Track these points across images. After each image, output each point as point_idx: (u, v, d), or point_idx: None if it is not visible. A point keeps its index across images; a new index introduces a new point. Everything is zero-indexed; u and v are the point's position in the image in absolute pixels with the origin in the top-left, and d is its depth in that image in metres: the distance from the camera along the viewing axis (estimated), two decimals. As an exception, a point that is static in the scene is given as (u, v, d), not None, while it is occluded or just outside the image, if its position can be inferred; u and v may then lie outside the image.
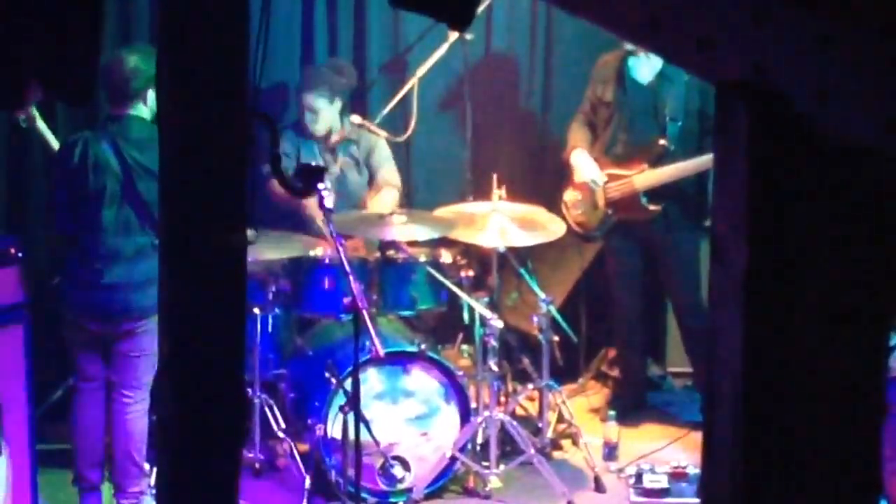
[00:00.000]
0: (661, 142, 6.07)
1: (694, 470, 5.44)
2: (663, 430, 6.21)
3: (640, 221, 6.18)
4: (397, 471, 5.33)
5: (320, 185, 4.41)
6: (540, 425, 5.96)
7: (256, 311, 5.48)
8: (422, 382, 5.42)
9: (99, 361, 5.08)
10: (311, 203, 5.99)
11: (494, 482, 5.52)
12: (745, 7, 1.84)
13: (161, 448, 2.59)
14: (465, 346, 6.31)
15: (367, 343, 4.82)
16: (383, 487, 5.34)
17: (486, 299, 5.65)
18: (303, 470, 5.33)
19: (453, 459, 5.42)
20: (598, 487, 5.59)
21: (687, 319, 6.31)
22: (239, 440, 2.69)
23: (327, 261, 5.55)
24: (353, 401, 4.76)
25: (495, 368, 5.55)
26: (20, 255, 4.76)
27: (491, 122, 6.70)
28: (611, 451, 5.83)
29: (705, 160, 5.86)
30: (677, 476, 5.48)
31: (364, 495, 5.11)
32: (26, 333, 4.76)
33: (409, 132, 6.34)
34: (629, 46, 6.08)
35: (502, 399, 5.82)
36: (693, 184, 6.15)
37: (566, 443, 6.03)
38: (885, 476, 4.34)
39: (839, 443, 1.94)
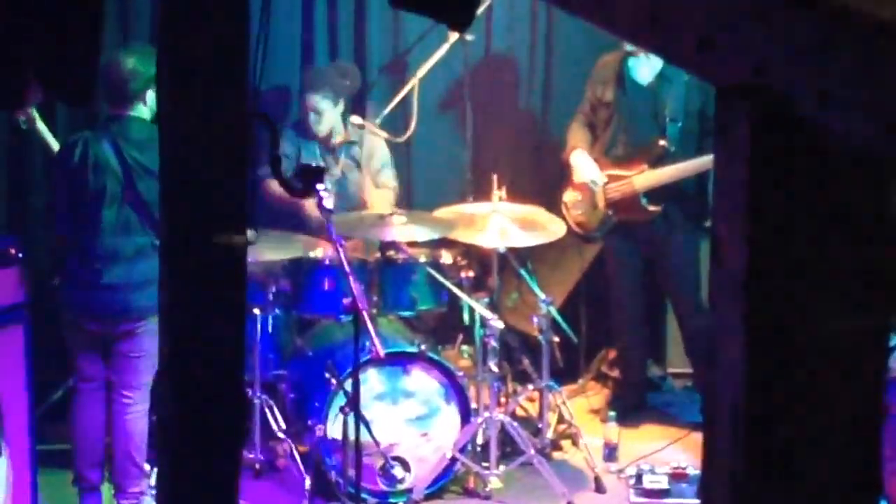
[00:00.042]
0: (661, 142, 6.07)
1: (694, 471, 5.44)
2: (663, 431, 6.21)
3: (640, 222, 6.18)
4: (397, 471, 5.33)
5: (319, 186, 4.41)
6: (540, 426, 5.96)
7: (256, 311, 5.48)
8: (422, 383, 5.42)
9: (99, 362, 5.08)
10: (310, 202, 5.99)
11: (494, 483, 5.52)
12: (746, 7, 1.84)
13: (161, 448, 2.60)
14: (465, 347, 6.31)
15: (368, 344, 4.82)
16: (383, 488, 5.34)
17: (487, 300, 5.65)
18: (303, 470, 5.33)
19: (453, 460, 5.42)
20: (599, 488, 5.60)
21: (687, 320, 6.31)
22: (239, 441, 2.70)
23: (327, 261, 5.55)
24: (354, 401, 4.76)
25: (495, 369, 5.55)
26: (20, 255, 4.77)
27: (491, 122, 6.70)
28: (611, 452, 5.83)
29: (705, 161, 5.87)
30: (677, 477, 5.49)
31: (364, 496, 5.12)
32: (26, 334, 4.77)
33: (410, 133, 6.34)
34: (629, 47, 6.08)
35: (502, 400, 5.82)
36: (693, 184, 6.15)
37: (566, 443, 6.03)
38: (885, 476, 4.34)
39: (839, 443, 1.94)
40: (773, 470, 1.91)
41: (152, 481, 5.08)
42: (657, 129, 6.13)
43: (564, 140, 6.39)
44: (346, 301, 5.15)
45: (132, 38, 6.15)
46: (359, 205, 6.16)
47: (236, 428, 2.66)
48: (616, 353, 6.75)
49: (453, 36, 6.20)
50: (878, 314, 1.90)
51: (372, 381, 5.33)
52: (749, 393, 1.88)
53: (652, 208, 6.11)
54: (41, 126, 5.33)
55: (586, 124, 6.33)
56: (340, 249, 4.69)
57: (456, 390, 5.43)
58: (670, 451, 5.78)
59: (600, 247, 6.53)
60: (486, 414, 5.47)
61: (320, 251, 5.58)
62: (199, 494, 2.52)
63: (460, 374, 5.51)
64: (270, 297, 5.61)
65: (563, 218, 6.09)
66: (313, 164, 5.49)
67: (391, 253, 5.61)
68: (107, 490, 5.17)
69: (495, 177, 5.66)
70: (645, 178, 6.10)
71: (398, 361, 5.37)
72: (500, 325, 5.53)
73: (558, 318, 6.09)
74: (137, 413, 5.05)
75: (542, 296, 5.84)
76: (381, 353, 4.79)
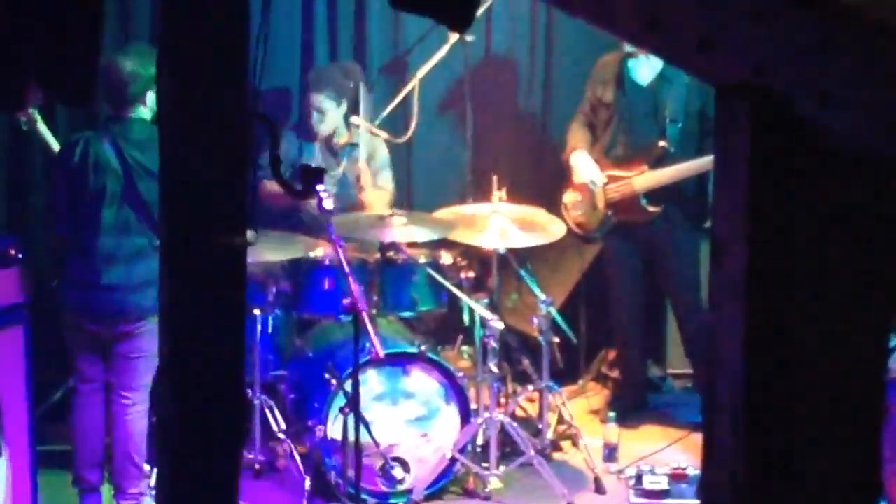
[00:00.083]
0: (661, 143, 6.07)
1: (694, 471, 5.44)
2: (663, 432, 6.21)
3: (639, 223, 6.18)
4: (397, 472, 5.33)
5: (319, 187, 4.41)
6: (540, 426, 5.95)
7: (256, 312, 5.48)
8: (422, 384, 5.42)
9: (98, 362, 5.08)
10: (309, 203, 6.00)
11: (494, 483, 5.52)
12: (746, 8, 1.84)
13: (161, 449, 2.59)
14: (465, 348, 6.31)
15: (367, 344, 4.82)
16: (383, 489, 5.34)
17: (486, 301, 5.65)
18: (303, 471, 5.33)
19: (453, 461, 5.42)
20: (598, 489, 5.59)
21: (687, 321, 6.31)
22: (239, 441, 2.69)
23: (327, 262, 5.55)
24: (353, 402, 4.76)
25: (495, 370, 5.55)
26: (20, 255, 4.76)
27: (491, 123, 6.70)
28: (611, 453, 5.83)
29: (705, 161, 5.87)
30: (677, 477, 5.48)
31: (364, 496, 5.11)
32: (26, 334, 4.76)
33: (410, 133, 6.35)
34: (629, 48, 6.08)
35: (502, 400, 5.82)
36: (693, 185, 6.15)
37: (566, 444, 6.03)
38: (885, 477, 4.34)
39: (839, 444, 1.94)
40: (773, 470, 1.91)
41: (152, 482, 5.08)
42: (657, 129, 6.13)
43: (564, 140, 6.39)
44: (345, 301, 5.13)
45: (132, 38, 6.15)
46: (358, 206, 6.15)
47: (236, 428, 2.65)
48: (616, 353, 6.75)
49: (453, 36, 6.20)
50: (878, 314, 1.91)
51: (372, 381, 5.33)
52: (749, 393, 1.88)
53: (652, 209, 6.11)
54: (42, 127, 5.33)
55: (586, 125, 6.33)
56: (340, 250, 4.69)
57: (456, 391, 5.43)
58: (670, 451, 5.78)
59: (600, 247, 6.52)
60: (486, 414, 5.47)
61: (320, 251, 5.58)
62: (198, 495, 2.52)
63: (460, 374, 5.50)
64: (270, 297, 5.61)
65: (563, 218, 6.09)
66: (313, 165, 5.50)
67: (391, 254, 5.61)
68: (106, 491, 5.17)
69: (495, 177, 5.66)
70: (645, 178, 6.10)
71: (398, 362, 5.37)
72: (499, 325, 5.52)
73: (558, 318, 6.08)
74: (137, 414, 5.05)
75: (542, 296, 5.83)
76: (381, 353, 4.79)
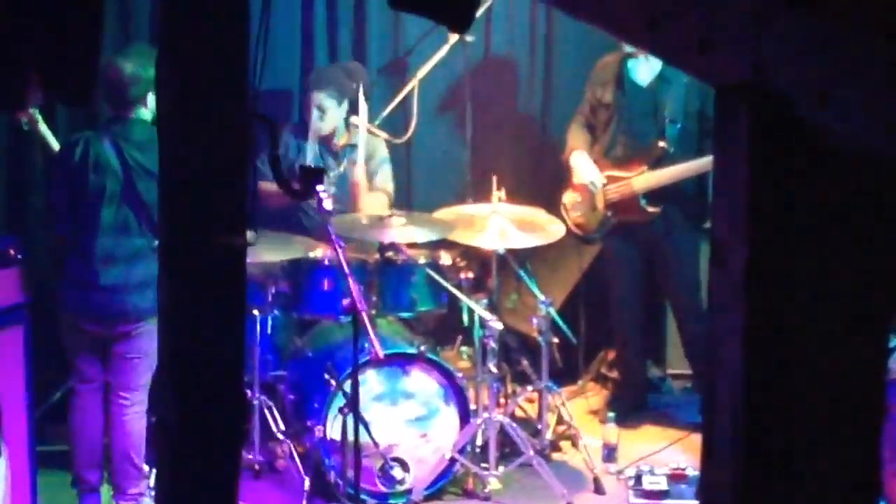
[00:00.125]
0: (661, 144, 6.07)
1: (693, 472, 5.44)
2: (663, 432, 6.21)
3: (639, 223, 6.18)
4: (396, 472, 5.33)
5: (319, 188, 4.41)
6: (539, 427, 5.95)
7: (256, 312, 5.48)
8: (421, 384, 5.42)
9: (97, 363, 5.08)
10: (312, 206, 6.00)
11: (494, 484, 5.52)
12: (745, 9, 1.84)
13: (161, 449, 2.59)
14: (464, 348, 6.31)
15: (367, 345, 4.82)
16: (383, 489, 5.34)
17: (486, 301, 5.65)
18: (302, 471, 5.32)
19: (453, 461, 5.42)
20: (598, 489, 5.59)
21: (686, 321, 6.32)
22: (238, 441, 2.69)
23: (326, 262, 5.54)
24: (353, 402, 4.76)
25: (494, 370, 5.55)
26: (20, 255, 4.76)
27: (491, 123, 6.70)
28: (610, 453, 5.83)
29: (705, 162, 5.87)
30: (677, 478, 5.48)
31: (363, 497, 5.11)
32: (26, 334, 4.76)
33: (410, 134, 6.35)
34: (628, 48, 6.08)
35: (502, 401, 5.82)
36: (693, 186, 6.15)
37: (565, 444, 6.03)
38: (885, 477, 4.34)
39: (839, 444, 1.94)
40: (773, 470, 1.91)
41: (152, 482, 5.08)
42: (656, 130, 6.13)
43: (564, 141, 6.39)
44: (345, 302, 5.14)
45: (132, 38, 6.15)
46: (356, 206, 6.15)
47: (236, 429, 2.65)
48: (615, 354, 6.75)
49: (453, 37, 6.21)
50: (878, 314, 1.91)
51: (371, 382, 5.32)
52: (749, 393, 1.88)
53: (651, 209, 6.11)
54: (43, 127, 5.33)
55: (586, 125, 6.33)
56: (340, 250, 4.69)
57: (455, 391, 5.43)
58: (670, 452, 5.78)
59: (599, 248, 6.53)
60: (486, 415, 5.47)
61: (319, 252, 5.58)
62: (198, 495, 2.52)
63: (459, 375, 5.50)
64: (270, 297, 5.61)
65: (563, 219, 6.09)
66: (313, 166, 5.50)
67: (390, 254, 5.61)
68: (106, 491, 5.17)
69: (495, 178, 5.66)
70: (644, 179, 6.10)
71: (397, 362, 5.37)
72: (499, 326, 5.52)
73: (557, 319, 6.08)
74: (135, 414, 5.05)
75: (542, 297, 5.83)
76: (381, 354, 4.79)
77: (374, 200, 6.06)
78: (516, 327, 6.36)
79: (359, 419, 4.73)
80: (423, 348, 5.40)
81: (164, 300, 2.48)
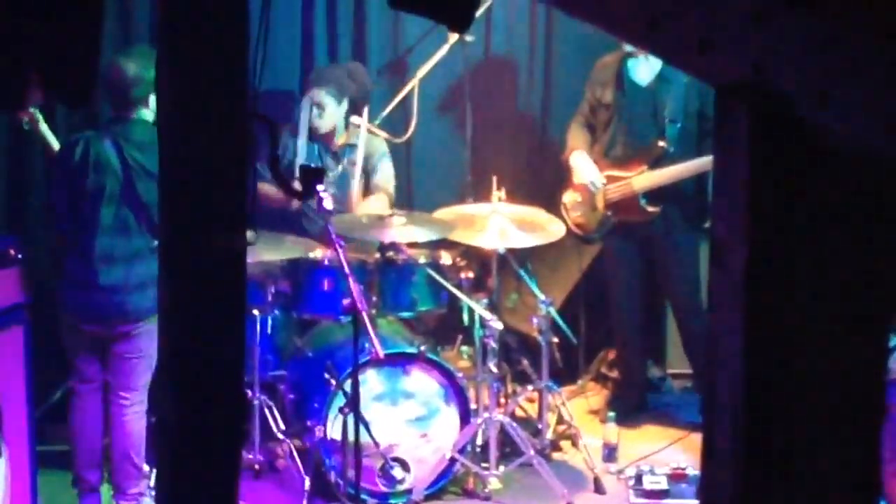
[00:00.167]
0: (661, 143, 6.07)
1: (693, 471, 5.44)
2: (663, 432, 6.22)
3: (639, 223, 6.18)
4: (397, 472, 5.33)
5: (319, 188, 4.41)
6: (539, 427, 5.96)
7: (256, 312, 5.49)
8: (421, 384, 5.42)
9: (97, 363, 5.08)
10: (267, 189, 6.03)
11: (494, 483, 5.52)
12: (745, 9, 1.84)
13: (161, 449, 2.59)
14: (464, 348, 6.31)
15: (367, 344, 4.82)
16: (383, 489, 5.34)
17: (486, 301, 5.65)
18: (302, 471, 5.33)
19: (453, 461, 5.42)
20: (598, 489, 5.60)
21: (686, 321, 6.32)
22: (238, 441, 2.69)
23: (327, 262, 5.54)
24: (353, 402, 4.76)
25: (495, 370, 5.55)
26: (20, 256, 4.76)
27: (491, 123, 6.70)
28: (610, 453, 5.83)
29: (705, 162, 5.87)
30: (677, 477, 5.48)
31: (364, 497, 5.12)
32: (26, 334, 4.76)
33: (410, 133, 6.35)
34: (628, 48, 6.09)
35: (502, 400, 5.82)
36: (692, 185, 6.15)
37: (566, 444, 6.03)
38: (885, 477, 4.34)
39: (839, 444, 1.94)
40: (773, 470, 1.91)
41: (152, 482, 5.08)
42: (656, 129, 6.13)
43: (564, 141, 6.40)
44: (345, 302, 5.14)
45: (132, 38, 6.15)
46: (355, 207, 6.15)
47: (236, 428, 2.65)
48: (615, 353, 6.76)
49: (453, 37, 6.21)
50: (878, 314, 1.91)
51: (371, 381, 5.33)
52: (749, 393, 1.88)
53: (651, 209, 6.11)
54: (43, 127, 5.33)
55: (585, 125, 6.33)
56: (340, 250, 4.69)
57: (455, 391, 5.43)
58: (670, 451, 5.78)
59: (600, 248, 6.53)
60: (486, 415, 5.47)
61: (320, 252, 5.58)
62: (198, 495, 2.51)
63: (460, 374, 5.50)
64: (270, 297, 5.61)
65: (563, 219, 6.09)
66: (312, 166, 5.50)
67: (391, 254, 5.61)
68: (106, 491, 5.17)
69: (495, 177, 5.66)
70: (644, 178, 6.10)
71: (398, 362, 5.37)
72: (499, 325, 5.52)
73: (558, 318, 6.09)
74: (135, 414, 5.05)
75: (542, 297, 5.84)
76: (381, 353, 4.79)
77: (374, 203, 6.06)
78: (516, 327, 6.36)
79: (359, 419, 4.73)
80: (423, 348, 5.40)
81: (165, 300, 2.48)
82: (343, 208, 5.95)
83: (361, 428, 4.75)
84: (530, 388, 6.01)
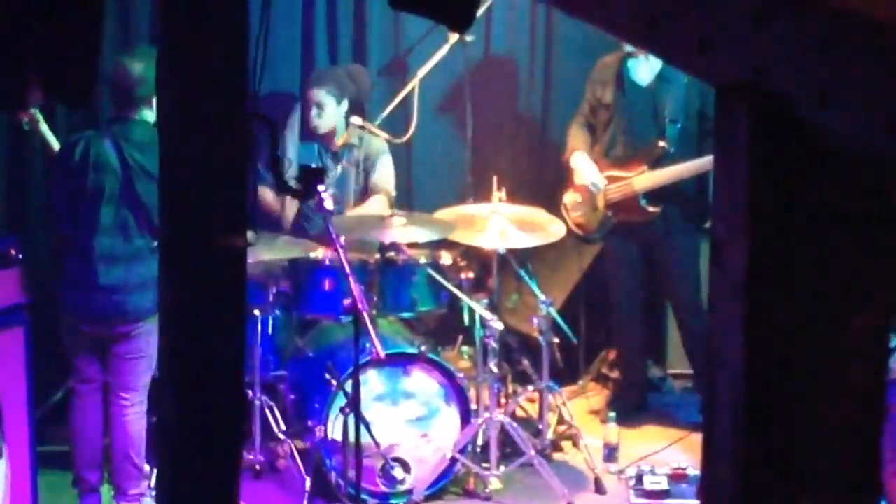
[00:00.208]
0: (661, 143, 6.07)
1: (694, 471, 5.44)
2: (663, 432, 6.21)
3: (639, 223, 6.18)
4: (397, 472, 5.33)
5: (320, 188, 4.41)
6: (540, 427, 5.96)
7: (256, 312, 5.48)
8: (422, 384, 5.42)
9: (97, 363, 5.08)
10: (289, 211, 6.05)
11: (495, 484, 5.52)
12: (746, 8, 1.84)
13: (161, 450, 2.59)
14: (465, 348, 6.31)
15: (368, 345, 4.82)
16: (383, 489, 5.34)
17: (486, 301, 5.65)
18: (303, 471, 5.33)
19: (453, 461, 5.42)
20: (599, 489, 5.60)
21: (687, 321, 6.32)
22: (239, 442, 2.69)
23: (327, 262, 5.54)
24: (354, 402, 4.76)
25: (495, 370, 5.55)
26: (20, 256, 4.76)
27: (491, 123, 6.70)
28: (611, 453, 5.83)
29: (705, 162, 5.87)
30: (677, 478, 5.48)
31: (364, 497, 5.11)
32: (27, 335, 4.76)
33: (410, 134, 6.35)
34: (629, 48, 6.08)
35: (502, 401, 5.82)
36: (693, 186, 6.15)
37: (566, 444, 6.03)
38: (885, 477, 4.34)
39: (839, 445, 1.94)
40: (773, 471, 1.91)
41: (152, 482, 5.08)
42: (657, 130, 6.13)
43: (564, 141, 6.39)
44: (346, 302, 5.15)
45: (132, 38, 6.15)
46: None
47: (236, 429, 2.65)
48: (616, 353, 6.75)
49: (453, 37, 6.21)
50: (878, 314, 1.91)
51: (372, 382, 5.33)
52: (749, 393, 1.88)
53: (651, 209, 6.11)
54: (44, 127, 5.33)
55: (586, 125, 6.33)
56: (341, 250, 4.69)
57: (456, 391, 5.43)
58: (670, 451, 5.78)
59: (600, 248, 6.53)
60: (486, 415, 5.47)
61: (320, 252, 5.58)
62: (199, 496, 2.52)
63: (460, 375, 5.50)
64: (271, 297, 5.61)
65: (563, 219, 6.09)
66: (313, 166, 5.50)
67: (391, 254, 5.61)
68: (106, 491, 5.17)
69: (495, 178, 5.66)
70: (644, 179, 6.10)
71: (398, 362, 5.37)
72: (499, 326, 5.52)
73: (558, 319, 6.08)
74: (135, 414, 5.05)
75: (542, 297, 5.83)
76: (382, 354, 4.79)
77: (373, 205, 6.06)
78: (517, 327, 6.36)
79: (360, 419, 4.73)
80: (423, 348, 5.41)
81: (165, 300, 2.48)
82: (343, 209, 5.95)
83: (362, 428, 4.75)
84: (531, 388, 6.01)
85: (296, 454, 5.46)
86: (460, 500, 5.51)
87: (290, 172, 4.72)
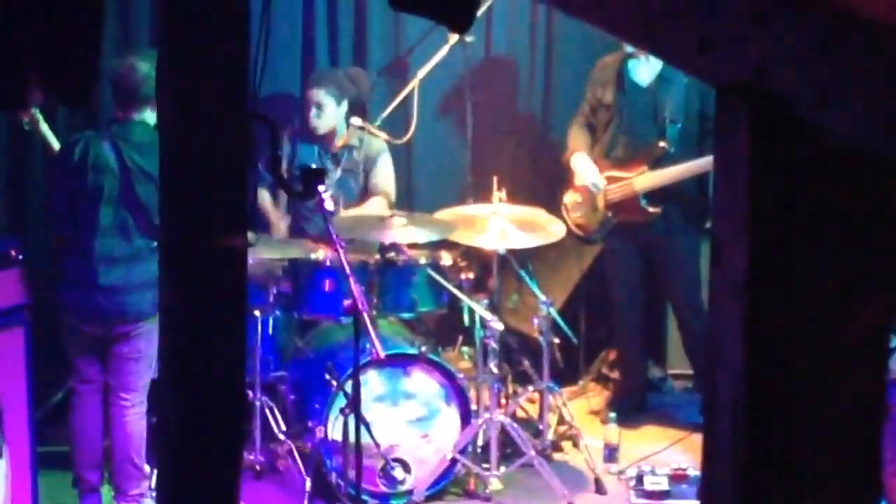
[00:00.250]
0: (661, 144, 6.07)
1: (694, 472, 5.44)
2: (664, 432, 6.21)
3: (639, 224, 6.18)
4: (398, 473, 5.33)
5: (320, 188, 4.41)
6: (540, 427, 5.96)
7: (257, 313, 5.49)
8: (422, 384, 5.42)
9: (96, 363, 5.08)
10: (267, 206, 6.06)
11: (495, 484, 5.52)
12: (745, 9, 1.84)
13: (161, 450, 2.59)
14: (465, 349, 6.31)
15: (368, 345, 4.82)
16: (384, 489, 5.34)
17: (487, 301, 5.65)
18: (303, 472, 5.33)
19: (454, 461, 5.42)
20: (599, 489, 5.60)
21: (687, 321, 6.32)
22: (239, 442, 2.69)
23: (328, 263, 5.54)
24: (354, 403, 4.76)
25: (496, 370, 5.55)
26: (20, 256, 4.76)
27: (491, 124, 6.70)
28: (611, 453, 5.83)
29: (705, 162, 5.87)
30: (678, 478, 5.49)
31: (364, 497, 5.11)
32: (27, 335, 4.76)
33: (410, 134, 6.35)
34: (629, 48, 6.09)
35: (503, 401, 5.82)
36: (693, 186, 6.15)
37: (567, 445, 6.03)
38: (886, 478, 4.34)
39: (839, 445, 1.94)
40: (773, 472, 1.91)
41: (153, 483, 5.08)
42: (657, 130, 6.13)
43: (564, 141, 6.39)
44: (346, 302, 5.14)
45: (132, 38, 6.16)
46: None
47: (236, 429, 2.65)
48: (616, 354, 6.75)
49: (453, 37, 6.21)
50: (879, 314, 1.91)
51: (372, 382, 5.33)
52: (749, 393, 1.88)
53: (652, 210, 6.11)
54: (44, 127, 5.33)
55: (586, 126, 6.33)
56: (341, 251, 4.69)
57: (456, 392, 5.43)
58: (671, 452, 5.78)
59: (600, 248, 6.53)
60: (487, 415, 5.47)
61: (321, 253, 5.58)
62: (199, 496, 2.52)
63: (460, 375, 5.50)
64: (271, 298, 5.61)
65: (563, 220, 6.09)
66: (313, 167, 5.50)
67: (391, 255, 5.61)
68: (107, 492, 5.17)
69: (495, 178, 5.66)
70: (645, 179, 6.10)
71: (398, 363, 5.37)
72: (500, 326, 5.52)
73: (558, 319, 6.08)
74: (136, 415, 5.05)
75: (543, 297, 5.83)
76: (382, 354, 4.79)
77: (372, 206, 6.06)
78: (517, 328, 6.36)
79: (360, 420, 4.73)
80: (423, 349, 5.41)
81: (165, 301, 2.48)
82: (336, 210, 5.94)
83: (362, 429, 4.75)
84: (531, 388, 6.00)
85: (296, 455, 5.46)
86: (460, 500, 5.51)
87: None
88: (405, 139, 6.34)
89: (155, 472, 5.02)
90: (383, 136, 6.21)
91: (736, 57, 1.87)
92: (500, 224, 5.59)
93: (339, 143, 6.17)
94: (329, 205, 4.64)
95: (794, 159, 1.84)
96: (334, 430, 5.22)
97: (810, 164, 1.84)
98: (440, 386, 5.43)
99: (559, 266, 6.67)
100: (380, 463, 5.30)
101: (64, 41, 2.27)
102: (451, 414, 5.44)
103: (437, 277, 5.57)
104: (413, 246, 5.73)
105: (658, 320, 6.85)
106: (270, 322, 5.68)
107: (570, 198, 6.31)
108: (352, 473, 4.87)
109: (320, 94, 6.03)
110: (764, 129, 1.85)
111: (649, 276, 6.41)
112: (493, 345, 5.52)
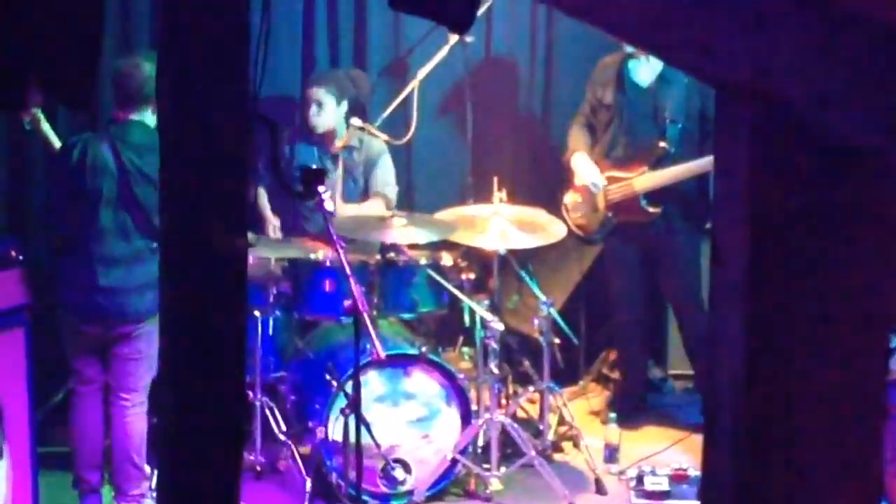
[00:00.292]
0: (662, 144, 6.07)
1: (695, 472, 5.44)
2: (664, 433, 6.21)
3: (640, 224, 6.18)
4: (398, 473, 5.33)
5: (320, 188, 4.41)
6: (541, 427, 5.95)
7: (257, 313, 5.49)
8: (422, 385, 5.42)
9: (97, 364, 5.08)
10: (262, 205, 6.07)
11: (495, 484, 5.52)
12: (746, 11, 1.84)
13: (162, 451, 2.59)
14: (465, 349, 6.31)
15: (368, 345, 4.81)
16: (384, 490, 5.34)
17: (487, 302, 5.65)
18: (304, 472, 5.32)
19: (454, 462, 5.42)
20: (599, 490, 5.59)
21: (687, 322, 6.32)
22: (240, 443, 2.69)
23: (328, 263, 5.54)
24: (354, 403, 4.76)
25: (496, 371, 5.54)
26: (21, 257, 4.76)
27: (491, 124, 6.70)
28: (612, 454, 5.82)
29: (705, 162, 5.87)
30: (678, 478, 5.48)
31: (365, 498, 5.11)
32: (27, 336, 4.76)
33: (410, 135, 6.35)
34: (629, 49, 6.08)
35: (503, 401, 5.81)
36: (693, 186, 6.15)
37: (567, 445, 6.03)
38: (886, 478, 4.34)
39: (840, 445, 1.94)
40: (773, 470, 1.91)
41: (153, 483, 5.08)
42: (657, 130, 6.13)
43: (564, 142, 6.39)
44: (346, 303, 5.13)
45: (132, 39, 6.16)
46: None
47: (237, 429, 2.65)
48: (616, 354, 6.75)
49: (453, 38, 6.20)
50: (879, 315, 1.91)
51: (373, 382, 5.32)
52: (749, 393, 1.88)
53: (652, 210, 6.11)
54: (45, 127, 5.33)
55: (586, 126, 6.33)
56: (341, 251, 4.69)
57: (456, 392, 5.43)
58: (671, 452, 5.78)
59: (601, 249, 6.53)
60: (487, 416, 5.46)
61: (321, 253, 5.57)
62: (199, 496, 2.52)
63: (461, 375, 5.50)
64: (271, 298, 5.60)
65: (564, 220, 6.09)
66: (313, 167, 5.50)
67: (392, 255, 5.61)
68: (107, 492, 5.17)
69: (496, 178, 5.66)
70: (645, 179, 6.10)
71: (399, 363, 5.37)
72: (500, 326, 5.52)
73: (559, 319, 6.08)
74: (136, 415, 5.05)
75: (543, 297, 5.83)
76: (382, 354, 4.79)
77: (371, 207, 6.06)
78: (518, 328, 6.36)
79: (360, 420, 4.73)
80: (424, 349, 5.40)
81: (165, 301, 2.48)
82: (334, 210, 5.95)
83: (363, 429, 4.75)
84: (531, 389, 6.00)
85: (296, 455, 5.46)
86: (461, 500, 5.51)
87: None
88: (405, 140, 6.34)
89: (155, 472, 5.02)
90: (383, 136, 6.20)
91: (737, 59, 1.87)
92: (500, 224, 5.59)
93: (339, 143, 6.17)
94: (329, 205, 4.64)
95: (794, 160, 1.85)
96: (335, 431, 5.22)
97: (810, 164, 1.84)
98: (441, 386, 5.43)
99: (560, 266, 6.67)
100: (380, 463, 5.30)
101: (64, 41, 2.27)
102: (452, 414, 5.44)
103: (438, 278, 5.57)
104: (413, 246, 5.73)
105: (658, 320, 6.85)
106: (270, 322, 5.68)
107: (570, 198, 6.31)
108: (352, 474, 4.86)
109: (321, 93, 6.03)
110: (764, 130, 1.85)
111: (649, 277, 6.41)
112: (494, 345, 5.52)
